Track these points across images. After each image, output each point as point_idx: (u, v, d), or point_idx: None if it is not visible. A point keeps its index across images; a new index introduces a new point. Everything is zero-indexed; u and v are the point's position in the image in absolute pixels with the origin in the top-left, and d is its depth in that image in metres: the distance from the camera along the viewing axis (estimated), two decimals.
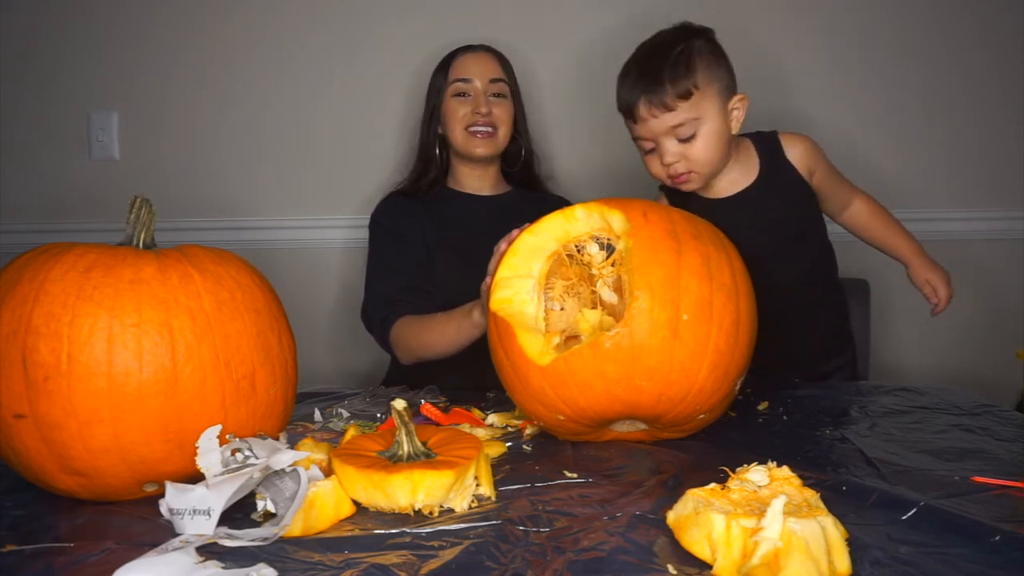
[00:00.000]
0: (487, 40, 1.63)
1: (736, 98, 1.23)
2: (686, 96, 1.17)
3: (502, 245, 1.05)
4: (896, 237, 1.35)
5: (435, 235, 1.53)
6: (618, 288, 0.94)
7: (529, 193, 1.67)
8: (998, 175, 1.88)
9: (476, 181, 1.62)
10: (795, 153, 1.30)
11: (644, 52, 1.24)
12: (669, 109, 1.18)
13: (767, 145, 1.31)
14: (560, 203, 1.56)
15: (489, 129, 1.54)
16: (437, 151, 1.61)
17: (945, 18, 1.85)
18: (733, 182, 1.29)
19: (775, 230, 1.29)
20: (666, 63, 1.18)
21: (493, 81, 1.56)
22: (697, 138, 1.20)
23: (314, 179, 1.94)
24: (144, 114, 1.94)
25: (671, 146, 1.21)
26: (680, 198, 1.31)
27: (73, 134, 1.95)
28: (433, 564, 0.65)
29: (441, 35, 1.75)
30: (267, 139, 1.94)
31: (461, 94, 1.55)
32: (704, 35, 1.23)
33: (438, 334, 1.32)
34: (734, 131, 1.25)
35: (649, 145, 1.23)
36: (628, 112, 1.22)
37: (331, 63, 1.91)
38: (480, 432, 1.01)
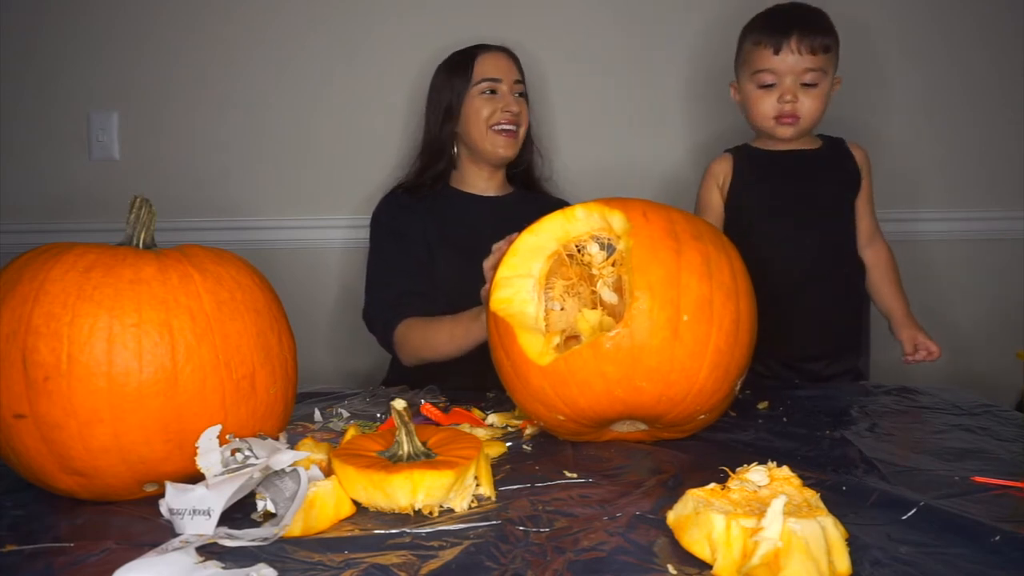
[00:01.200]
0: (494, 39, 1.63)
1: (837, 77, 1.41)
2: (827, 49, 1.36)
3: (503, 246, 1.05)
4: (898, 293, 1.47)
5: (436, 233, 1.53)
6: (618, 288, 0.94)
7: (530, 194, 1.67)
8: (998, 175, 1.88)
9: (484, 182, 1.62)
10: (856, 152, 1.47)
11: (794, 5, 1.41)
12: (812, 52, 1.34)
13: (831, 138, 1.49)
14: (560, 205, 1.56)
15: (514, 128, 1.55)
16: (455, 150, 1.61)
17: (945, 18, 1.85)
18: (796, 144, 1.45)
19: (822, 191, 1.44)
20: (816, 18, 1.38)
21: (516, 82, 1.58)
22: (816, 88, 1.37)
23: (314, 179, 1.94)
24: (144, 114, 1.94)
25: (793, 87, 1.36)
26: (749, 155, 1.46)
27: (73, 134, 1.95)
28: (433, 564, 0.65)
29: (441, 35, 1.75)
30: (267, 139, 1.94)
31: (490, 92, 1.55)
32: None
33: (446, 336, 1.32)
34: (827, 103, 1.41)
35: (770, 79, 1.37)
36: (775, 44, 1.35)
37: (331, 63, 1.91)
38: (480, 432, 1.01)
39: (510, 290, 0.98)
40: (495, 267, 1.01)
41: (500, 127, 1.54)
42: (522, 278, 0.98)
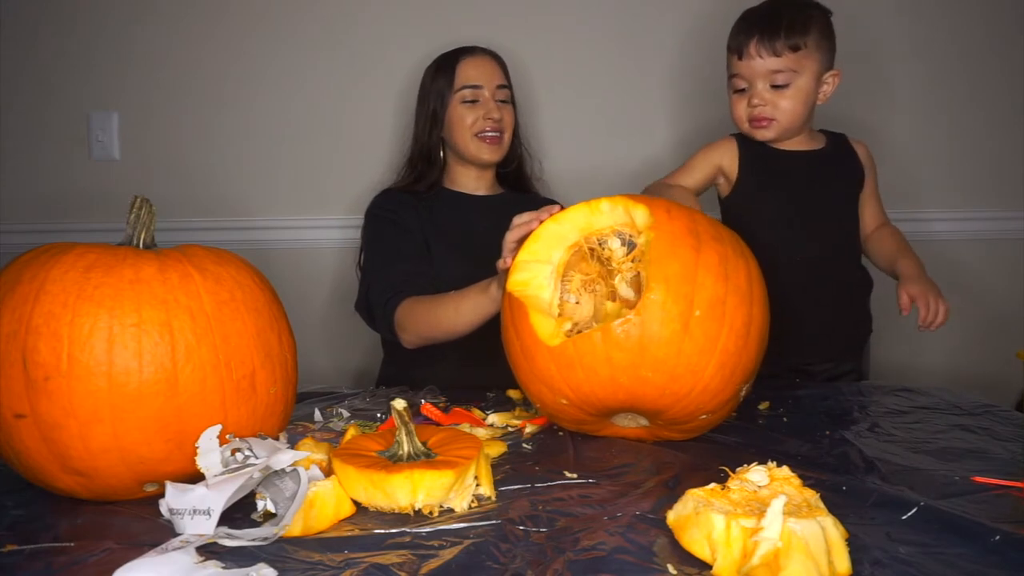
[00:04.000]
0: (481, 40, 1.63)
1: (831, 72, 1.38)
2: (794, 48, 1.32)
3: (528, 219, 1.03)
4: (910, 256, 1.39)
5: (432, 231, 1.53)
6: (636, 285, 0.94)
7: (521, 194, 1.68)
8: (998, 175, 1.88)
9: (473, 182, 1.62)
10: (859, 148, 1.47)
11: (770, 4, 1.38)
12: (776, 54, 1.32)
13: (834, 134, 1.48)
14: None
15: (497, 134, 1.55)
16: (441, 154, 1.61)
17: (949, 17, 1.85)
18: (800, 143, 1.43)
19: (830, 194, 1.43)
20: (787, 16, 1.33)
21: (500, 87, 1.57)
22: (789, 89, 1.34)
23: (314, 179, 1.94)
24: (144, 114, 1.94)
25: (763, 90, 1.35)
26: (756, 153, 1.42)
27: (73, 134, 1.95)
28: (433, 564, 0.65)
29: (436, 36, 1.75)
30: (267, 139, 1.94)
31: (471, 100, 1.54)
32: (824, 11, 1.38)
33: (452, 310, 1.27)
34: (820, 101, 1.39)
35: (742, 84, 1.37)
36: (738, 48, 1.35)
37: (327, 65, 1.91)
38: (480, 432, 1.01)
39: (527, 274, 0.99)
40: (517, 241, 1.02)
41: (483, 134, 1.54)
42: (541, 264, 0.99)
